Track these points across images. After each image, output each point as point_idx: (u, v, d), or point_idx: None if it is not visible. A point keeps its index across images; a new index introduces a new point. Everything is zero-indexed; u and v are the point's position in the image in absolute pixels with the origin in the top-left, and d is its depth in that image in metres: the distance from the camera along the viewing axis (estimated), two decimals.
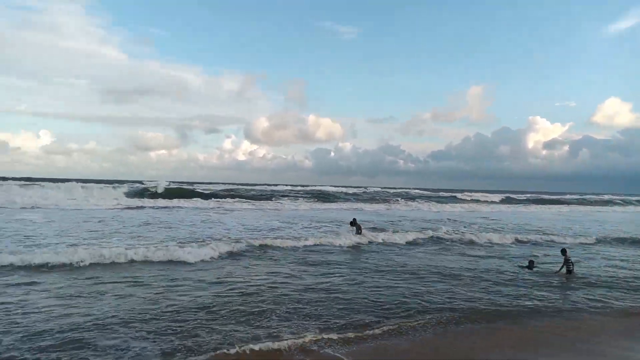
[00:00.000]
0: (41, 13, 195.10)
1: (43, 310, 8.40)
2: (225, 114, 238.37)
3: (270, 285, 10.92)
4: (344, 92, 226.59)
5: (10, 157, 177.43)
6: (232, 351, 6.70)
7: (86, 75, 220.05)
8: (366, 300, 9.75)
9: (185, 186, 58.19)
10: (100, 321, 7.85)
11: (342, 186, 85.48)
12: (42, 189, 41.46)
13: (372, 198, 56.35)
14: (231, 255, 14.77)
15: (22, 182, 51.13)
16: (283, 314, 8.56)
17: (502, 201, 64.38)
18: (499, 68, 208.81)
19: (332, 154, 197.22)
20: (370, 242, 18.71)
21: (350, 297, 10.01)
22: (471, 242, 20.05)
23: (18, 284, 10.25)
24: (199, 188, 56.12)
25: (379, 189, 77.29)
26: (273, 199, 49.73)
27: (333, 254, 15.95)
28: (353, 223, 20.51)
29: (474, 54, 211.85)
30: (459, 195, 66.47)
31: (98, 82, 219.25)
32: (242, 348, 6.78)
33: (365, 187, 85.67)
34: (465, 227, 26.67)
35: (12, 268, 11.70)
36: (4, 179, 61.92)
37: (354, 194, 60.47)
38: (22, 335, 7.16)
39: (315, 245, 17.45)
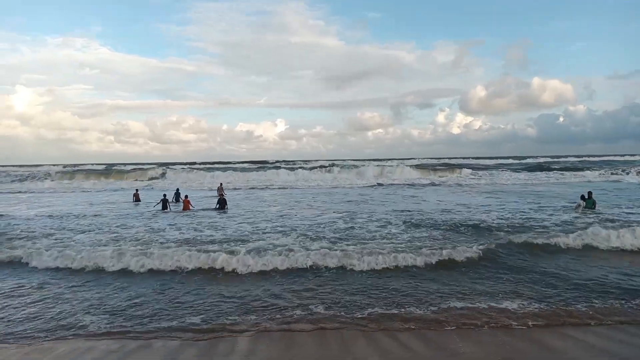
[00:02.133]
0: (272, 15, 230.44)
1: None
2: (438, 87, 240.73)
3: None
4: (576, 48, 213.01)
5: (255, 144, 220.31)
6: None
7: (311, 66, 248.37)
8: None
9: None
10: None
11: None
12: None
13: None
14: None
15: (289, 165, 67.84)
16: None
17: None
18: None
19: (561, 119, 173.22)
20: None
21: None
22: None
23: None
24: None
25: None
26: None
27: None
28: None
29: None
30: None
31: (321, 71, 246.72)
32: None
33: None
34: None
35: None
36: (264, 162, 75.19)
37: None
38: None
39: None
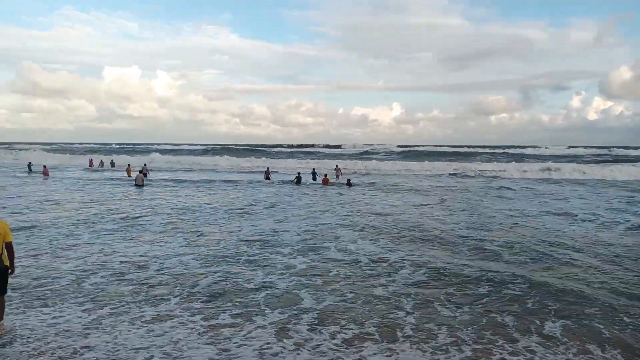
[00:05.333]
0: None
1: None
2: (574, 68, 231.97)
3: None
4: None
5: (370, 128, 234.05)
6: None
7: (430, 47, 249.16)
8: None
9: None
10: None
11: None
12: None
13: None
14: None
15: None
16: None
17: None
18: None
19: None
20: None
21: None
22: None
23: None
24: None
25: None
26: None
27: None
28: None
29: None
30: None
31: (441, 52, 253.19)
32: None
33: None
34: None
35: None
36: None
37: None
38: None
39: None
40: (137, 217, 16.16)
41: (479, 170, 42.97)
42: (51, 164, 44.65)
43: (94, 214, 16.67)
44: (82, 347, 5.87)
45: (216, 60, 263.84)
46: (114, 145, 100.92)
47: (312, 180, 32.14)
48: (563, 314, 7.25)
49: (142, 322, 6.75)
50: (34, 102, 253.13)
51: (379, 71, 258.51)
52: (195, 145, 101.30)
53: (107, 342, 6.04)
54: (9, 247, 6.31)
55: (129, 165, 39.70)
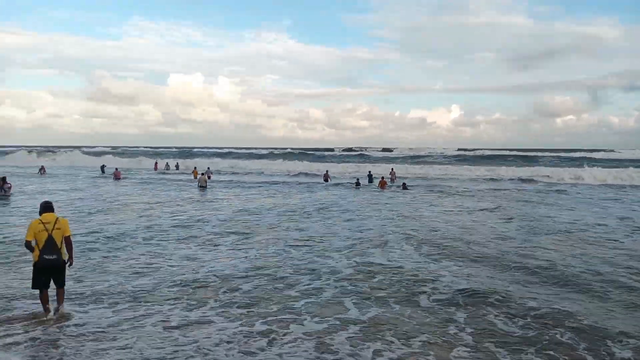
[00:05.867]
0: None
1: None
2: None
3: None
4: None
5: (427, 131, 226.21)
6: None
7: (492, 47, 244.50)
8: None
9: None
10: None
11: None
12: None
13: None
14: None
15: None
16: None
17: None
18: None
19: None
20: None
21: None
22: None
23: None
24: None
25: None
26: None
27: None
28: None
29: None
30: None
31: (504, 52, 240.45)
32: None
33: None
34: None
35: None
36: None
37: None
38: None
39: None
40: (196, 219, 16.47)
41: (544, 175, 40.05)
42: (119, 167, 47.39)
43: (156, 216, 17.25)
44: (101, 349, 5.80)
45: (275, 65, 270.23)
46: (173, 149, 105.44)
47: (368, 183, 33.01)
48: None
49: (174, 325, 6.62)
50: (104, 108, 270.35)
51: (437, 72, 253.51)
52: (254, 149, 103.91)
53: (134, 345, 5.90)
54: (68, 241, 6.78)
55: (195, 168, 41.53)
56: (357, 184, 31.02)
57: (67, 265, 6.82)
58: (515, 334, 6.43)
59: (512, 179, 38.91)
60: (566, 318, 6.99)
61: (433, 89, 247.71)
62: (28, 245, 6.61)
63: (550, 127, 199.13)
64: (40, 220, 6.66)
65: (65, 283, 7.02)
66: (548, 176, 39.79)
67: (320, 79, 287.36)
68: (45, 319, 6.69)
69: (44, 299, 6.77)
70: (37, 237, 6.54)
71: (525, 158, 67.12)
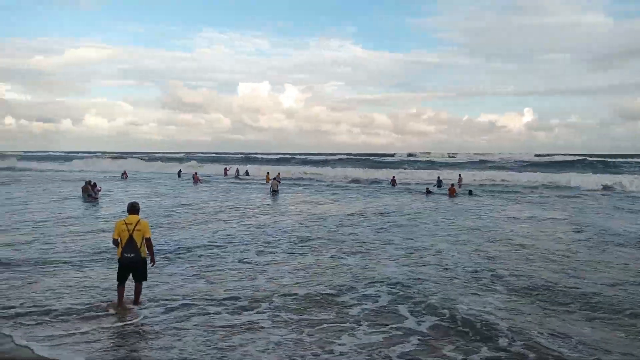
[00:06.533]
0: None
1: None
2: None
3: None
4: None
5: (497, 135, 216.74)
6: None
7: (568, 48, 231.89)
8: None
9: None
10: None
11: None
12: None
13: None
14: None
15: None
16: None
17: None
18: None
19: None
20: None
21: None
22: None
23: None
24: None
25: None
26: None
27: None
28: None
29: None
30: None
31: (580, 52, 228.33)
32: None
33: None
34: None
35: None
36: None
37: None
38: None
39: None
40: (263, 224, 16.81)
41: (627, 183, 35.48)
42: (189, 172, 49.73)
43: (224, 220, 17.78)
44: (132, 351, 5.98)
45: (340, 72, 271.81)
46: (239, 155, 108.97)
47: (437, 188, 32.97)
48: None
49: (226, 330, 6.75)
50: (178, 116, 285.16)
51: (508, 75, 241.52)
52: (319, 154, 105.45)
53: (186, 348, 6.07)
54: (149, 242, 7.49)
55: (268, 173, 43.88)
56: (428, 191, 30.64)
57: (148, 264, 7.57)
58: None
59: (590, 189, 34.53)
60: None
61: (503, 92, 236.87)
62: (115, 242, 7.47)
63: (633, 131, 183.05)
64: (124, 221, 7.44)
65: (147, 279, 7.70)
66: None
67: (384, 84, 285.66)
68: (112, 310, 7.38)
69: (120, 293, 7.57)
70: (120, 236, 7.34)
71: (607, 164, 62.66)
